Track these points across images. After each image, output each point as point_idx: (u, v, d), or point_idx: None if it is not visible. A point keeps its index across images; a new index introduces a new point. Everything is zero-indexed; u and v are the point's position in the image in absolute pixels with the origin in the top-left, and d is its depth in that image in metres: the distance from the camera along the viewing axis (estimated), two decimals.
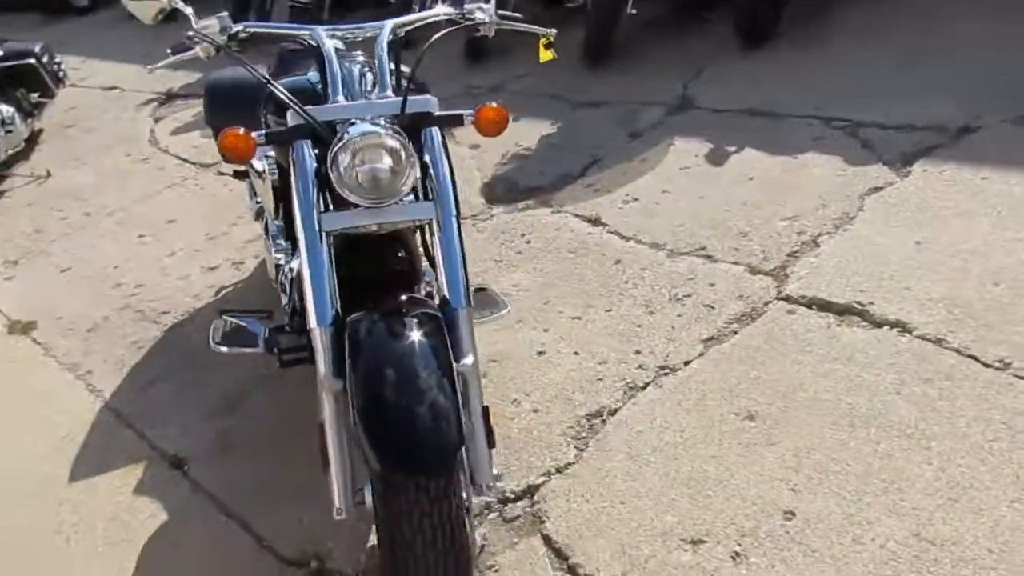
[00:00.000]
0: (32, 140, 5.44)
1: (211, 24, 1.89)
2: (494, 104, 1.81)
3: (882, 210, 2.79)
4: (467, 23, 2.11)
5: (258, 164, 2.27)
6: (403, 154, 1.63)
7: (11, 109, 5.02)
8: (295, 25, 2.00)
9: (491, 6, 2.11)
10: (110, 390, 2.77)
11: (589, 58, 4.61)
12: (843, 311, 2.39)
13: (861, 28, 4.22)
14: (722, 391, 2.21)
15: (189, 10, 1.92)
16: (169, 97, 5.87)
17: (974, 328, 2.20)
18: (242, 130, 1.71)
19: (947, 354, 2.14)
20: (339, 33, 1.96)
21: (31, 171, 4.95)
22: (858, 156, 3.13)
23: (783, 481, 1.92)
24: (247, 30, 1.92)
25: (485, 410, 1.71)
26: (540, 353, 2.51)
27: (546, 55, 2.35)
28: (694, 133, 3.64)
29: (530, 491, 2.05)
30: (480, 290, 2.39)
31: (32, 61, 5.26)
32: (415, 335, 1.55)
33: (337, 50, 1.91)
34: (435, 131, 1.82)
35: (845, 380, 2.14)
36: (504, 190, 3.56)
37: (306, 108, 1.73)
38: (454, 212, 1.79)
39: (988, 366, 2.07)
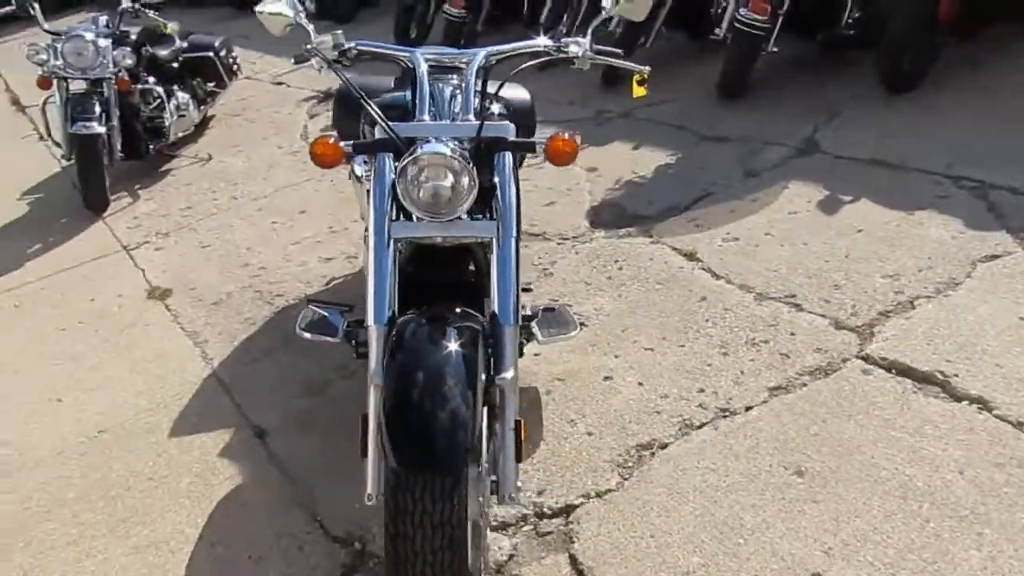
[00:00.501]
0: (202, 125, 6.00)
1: (326, 40, 2.09)
2: (566, 135, 1.89)
3: (992, 279, 2.63)
4: (561, 55, 2.20)
5: (359, 170, 2.46)
6: (465, 176, 1.74)
7: (187, 96, 5.56)
8: (398, 47, 2.15)
9: (587, 40, 2.18)
10: (219, 360, 3.05)
11: (723, 93, 4.58)
12: (923, 379, 2.28)
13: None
14: (777, 442, 2.17)
15: (311, 27, 2.12)
16: (326, 96, 6.31)
17: None
18: (332, 138, 1.88)
19: None
20: (436, 57, 2.10)
21: (196, 153, 5.47)
22: (981, 220, 2.96)
23: (818, 542, 1.87)
24: (357, 47, 2.10)
25: (518, 424, 1.79)
26: (606, 379, 2.55)
27: (638, 91, 2.40)
28: (812, 178, 3.55)
29: (567, 510, 2.10)
30: (549, 310, 2.47)
31: (211, 54, 5.81)
32: (452, 344, 1.65)
33: (432, 72, 2.06)
34: (507, 156, 1.92)
35: (908, 450, 2.06)
36: (610, 215, 3.61)
37: (392, 123, 1.88)
38: (514, 234, 1.88)
39: None
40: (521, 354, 2.36)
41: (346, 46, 2.10)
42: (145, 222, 4.52)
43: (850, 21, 4.31)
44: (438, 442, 1.50)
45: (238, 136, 5.75)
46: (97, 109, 4.64)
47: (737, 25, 4.25)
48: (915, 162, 3.47)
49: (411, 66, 2.04)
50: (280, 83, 6.88)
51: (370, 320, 1.82)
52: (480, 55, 2.05)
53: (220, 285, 3.61)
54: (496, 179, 1.90)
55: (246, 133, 5.79)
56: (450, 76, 2.17)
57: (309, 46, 2.08)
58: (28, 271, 4.11)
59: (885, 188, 3.32)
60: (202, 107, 5.89)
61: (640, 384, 2.50)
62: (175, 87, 5.53)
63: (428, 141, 1.80)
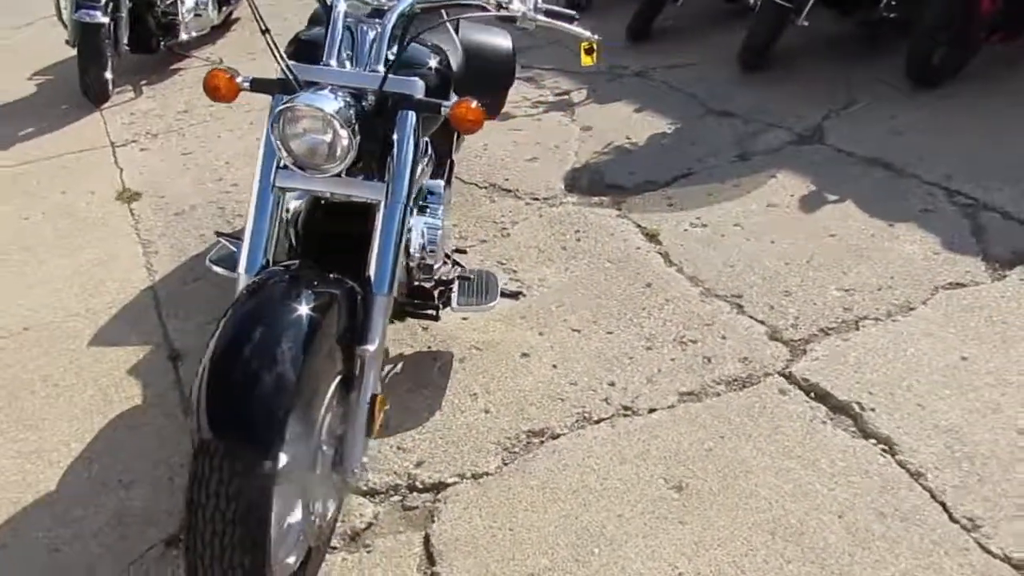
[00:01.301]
0: (223, 27, 5.90)
1: None
2: (473, 103, 1.76)
3: (947, 310, 2.46)
4: (500, 12, 2.05)
5: None
6: (343, 131, 1.62)
7: None
8: None
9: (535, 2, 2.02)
10: (162, 274, 3.03)
11: (743, 64, 4.33)
12: (838, 408, 2.16)
13: None
14: (667, 452, 2.08)
15: None
16: None
17: (964, 474, 1.92)
18: (229, 72, 1.78)
19: (917, 493, 1.89)
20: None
21: (208, 56, 5.39)
22: (960, 242, 2.76)
23: (671, 566, 1.79)
24: None
25: (374, 398, 1.73)
26: (524, 355, 2.46)
27: (586, 59, 2.24)
28: (804, 170, 3.34)
29: (438, 487, 2.05)
30: (471, 276, 2.38)
31: None
32: (302, 304, 1.54)
33: (360, 16, 1.92)
34: (410, 115, 1.80)
35: (794, 483, 1.95)
36: (587, 181, 3.46)
37: (297, 63, 1.77)
38: (402, 200, 1.78)
39: (954, 521, 1.81)
40: (437, 318, 2.30)
41: None
42: (139, 120, 4.49)
43: (892, 2, 3.99)
44: (249, 408, 1.40)
45: (254, 44, 5.63)
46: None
47: None
48: (915, 167, 3.24)
49: (334, 3, 1.91)
50: None
51: (240, 268, 1.75)
52: (404, 2, 1.91)
53: (188, 197, 3.58)
54: (395, 137, 1.79)
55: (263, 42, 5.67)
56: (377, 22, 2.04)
57: None
58: (11, 154, 4.13)
59: (875, 192, 3.11)
60: (224, 8, 5.78)
61: (554, 367, 2.41)
62: None
63: (316, 88, 1.70)
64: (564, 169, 3.57)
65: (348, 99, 1.73)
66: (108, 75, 4.69)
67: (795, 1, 3.91)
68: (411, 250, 2.23)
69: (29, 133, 4.37)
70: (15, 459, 2.22)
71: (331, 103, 1.64)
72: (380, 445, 2.17)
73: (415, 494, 2.05)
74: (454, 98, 1.84)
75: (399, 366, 2.45)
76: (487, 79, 2.92)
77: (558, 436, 2.17)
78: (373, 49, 1.86)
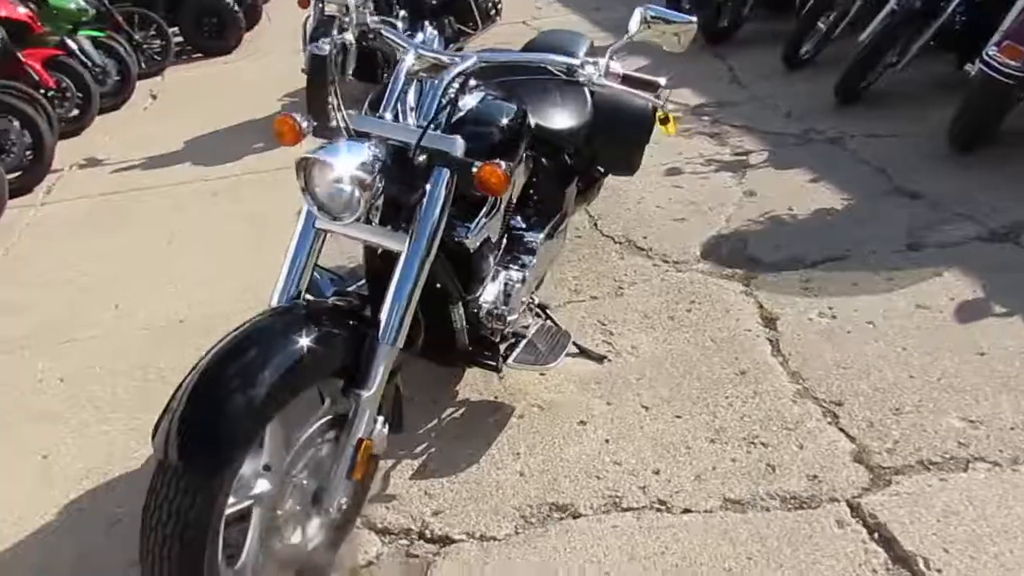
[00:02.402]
0: None
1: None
2: (501, 167, 1.76)
3: None
4: (564, 76, 2.02)
5: None
6: (355, 184, 1.68)
7: (433, 32, 5.86)
8: (399, 36, 2.11)
9: (602, 63, 1.97)
10: None
11: (952, 143, 3.84)
12: (899, 560, 1.84)
13: None
14: (682, 560, 1.90)
15: None
16: None
17: None
18: (293, 119, 1.93)
19: None
20: (435, 54, 2.03)
21: None
22: None
23: None
24: (367, 23, 2.12)
25: (360, 443, 1.77)
26: (581, 423, 2.38)
27: (664, 129, 2.12)
28: (979, 273, 2.90)
29: (444, 541, 2.04)
30: (562, 333, 2.37)
31: None
32: (297, 341, 1.62)
33: (427, 70, 2.00)
34: (444, 171, 1.83)
35: None
36: (727, 250, 3.26)
37: (351, 113, 1.88)
38: (421, 254, 1.81)
39: None
40: (498, 371, 2.29)
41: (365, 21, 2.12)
42: None
43: None
44: (204, 432, 1.49)
45: None
46: (335, 32, 5.08)
47: (984, 68, 3.50)
48: None
49: (401, 58, 2.00)
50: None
51: (273, 300, 1.87)
52: (467, 61, 1.95)
53: None
54: (428, 191, 1.83)
55: None
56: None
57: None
58: (238, 165, 4.72)
59: None
60: (451, 45, 6.19)
61: (606, 441, 2.30)
62: (426, 22, 5.87)
63: (362, 139, 1.80)
64: (708, 234, 3.39)
65: (385, 152, 1.80)
66: (332, 100, 5.20)
67: (1018, 79, 3.41)
68: (483, 298, 2.26)
69: (258, 148, 4.96)
70: (124, 435, 2.53)
71: (351, 156, 1.70)
72: (410, 489, 2.20)
73: (422, 542, 2.05)
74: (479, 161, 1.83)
75: (460, 411, 2.47)
76: (619, 136, 2.87)
77: (579, 516, 2.07)
78: (426, 104, 1.92)
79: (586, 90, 2.83)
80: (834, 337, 2.64)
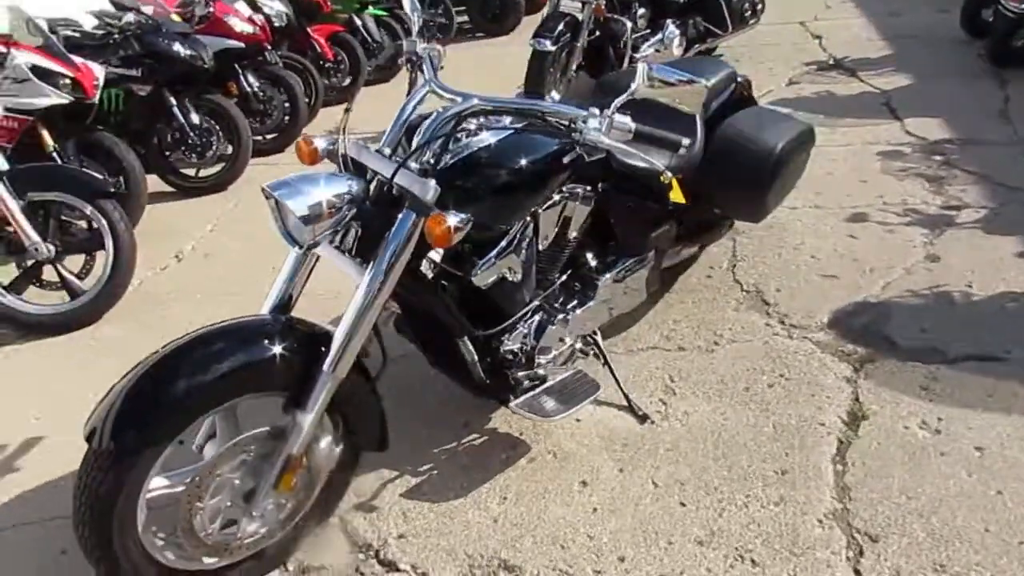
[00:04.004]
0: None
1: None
2: (448, 222, 1.75)
3: None
4: (567, 131, 1.88)
5: None
6: (293, 215, 1.74)
7: (674, 32, 5.66)
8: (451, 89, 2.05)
9: (607, 117, 1.82)
10: None
11: None
12: None
13: None
14: None
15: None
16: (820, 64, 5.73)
17: None
18: (315, 141, 2.04)
19: None
20: (448, 93, 2.00)
21: None
22: None
23: None
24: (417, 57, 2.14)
25: (289, 458, 1.87)
26: (583, 483, 2.26)
27: (672, 195, 1.88)
28: None
29: (392, 567, 2.08)
30: (590, 386, 2.28)
31: None
32: (251, 351, 1.77)
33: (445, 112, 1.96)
34: (411, 214, 1.83)
35: None
36: (860, 324, 2.81)
37: (350, 140, 1.96)
38: (373, 291, 1.84)
39: None
40: (505, 404, 2.26)
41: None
42: None
43: None
44: (127, 419, 1.65)
45: None
46: (559, 29, 5.14)
47: None
48: None
49: (415, 91, 2.02)
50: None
51: (263, 309, 2.03)
52: (465, 104, 1.91)
53: None
54: (393, 230, 1.85)
55: None
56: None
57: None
58: None
59: None
60: (695, 47, 5.93)
61: (594, 510, 2.16)
62: (668, 21, 5.68)
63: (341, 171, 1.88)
64: (851, 299, 2.95)
65: (364, 185, 1.85)
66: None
67: None
68: (507, 334, 2.23)
69: None
70: None
71: (311, 188, 1.76)
72: (394, 505, 2.26)
73: (374, 562, 2.11)
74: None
75: (481, 440, 2.46)
76: (733, 178, 2.64)
77: None
78: (417, 142, 1.92)
79: (698, 122, 2.62)
80: (921, 456, 2.19)
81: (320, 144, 2.03)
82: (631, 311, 2.72)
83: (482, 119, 2.05)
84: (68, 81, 4.06)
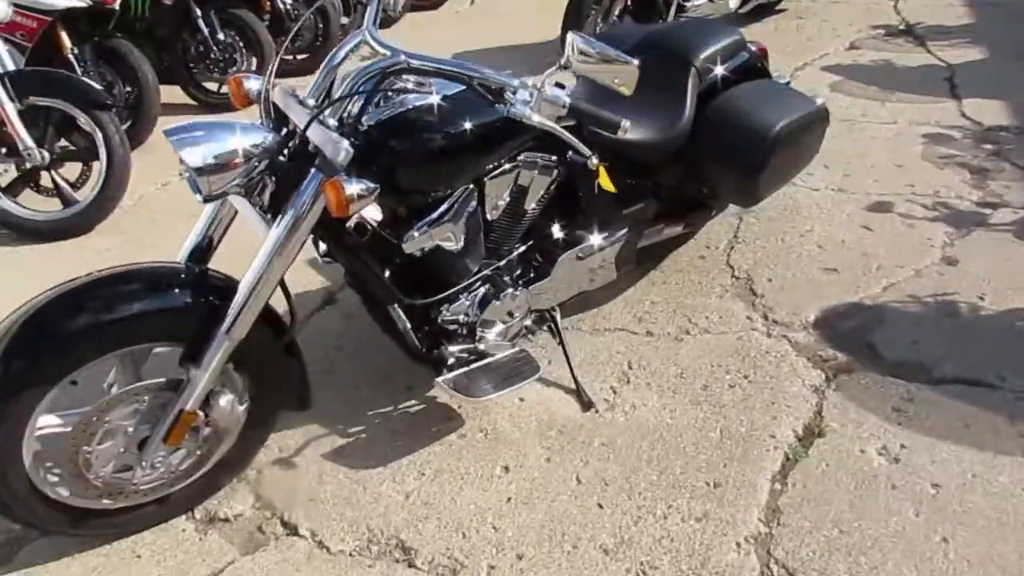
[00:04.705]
0: (754, 14, 5.67)
1: None
2: (339, 189, 1.62)
3: None
4: (493, 100, 1.71)
5: None
6: (192, 167, 1.63)
7: None
8: (377, 38, 1.88)
9: (538, 90, 1.64)
10: None
11: None
12: None
13: None
14: None
15: None
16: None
17: None
18: (245, 82, 1.92)
19: None
20: (382, 45, 1.83)
21: None
22: None
23: None
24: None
25: (180, 412, 1.81)
26: (504, 469, 2.15)
27: (601, 181, 1.69)
28: None
29: (293, 530, 2.03)
30: (530, 366, 2.19)
31: None
32: (153, 298, 1.73)
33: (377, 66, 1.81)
34: (319, 174, 1.70)
35: None
36: (846, 328, 2.59)
37: (278, 85, 1.84)
38: (274, 253, 1.74)
39: None
40: (436, 373, 2.16)
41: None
42: None
43: None
44: (11, 355, 1.64)
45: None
46: None
47: None
48: None
49: (348, 41, 1.86)
50: None
51: (179, 255, 1.95)
52: (390, 60, 1.74)
53: None
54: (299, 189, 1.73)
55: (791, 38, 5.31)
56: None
57: None
58: None
59: None
60: None
61: (508, 500, 2.06)
62: None
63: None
64: (845, 299, 2.72)
65: (280, 137, 1.73)
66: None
67: None
68: (446, 304, 2.12)
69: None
70: None
71: (208, 137, 1.64)
72: (312, 465, 2.20)
73: (276, 521, 2.05)
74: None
75: (419, 408, 2.37)
76: (731, 158, 2.44)
77: (412, 566, 1.91)
78: (336, 96, 1.77)
79: (688, 98, 2.40)
80: (869, 486, 2.01)
81: (252, 86, 1.90)
82: (602, 288, 2.57)
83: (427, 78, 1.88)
84: None
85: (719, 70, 2.50)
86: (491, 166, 1.99)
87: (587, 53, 1.59)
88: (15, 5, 3.72)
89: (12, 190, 3.47)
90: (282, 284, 1.82)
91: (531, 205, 2.19)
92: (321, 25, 5.34)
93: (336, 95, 1.76)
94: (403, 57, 1.74)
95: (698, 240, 3.09)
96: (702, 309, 2.72)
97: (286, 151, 1.76)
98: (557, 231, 2.33)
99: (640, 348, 2.56)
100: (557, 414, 2.31)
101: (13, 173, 3.52)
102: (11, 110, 3.26)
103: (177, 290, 1.78)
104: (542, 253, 2.33)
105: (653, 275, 2.92)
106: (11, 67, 3.38)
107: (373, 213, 2.03)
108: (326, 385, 2.47)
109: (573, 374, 2.39)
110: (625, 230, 2.44)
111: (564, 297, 2.42)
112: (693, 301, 2.77)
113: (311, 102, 1.81)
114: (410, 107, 1.82)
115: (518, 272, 2.30)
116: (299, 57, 5.40)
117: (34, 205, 3.50)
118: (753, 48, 2.70)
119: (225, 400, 1.89)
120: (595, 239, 2.38)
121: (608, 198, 2.34)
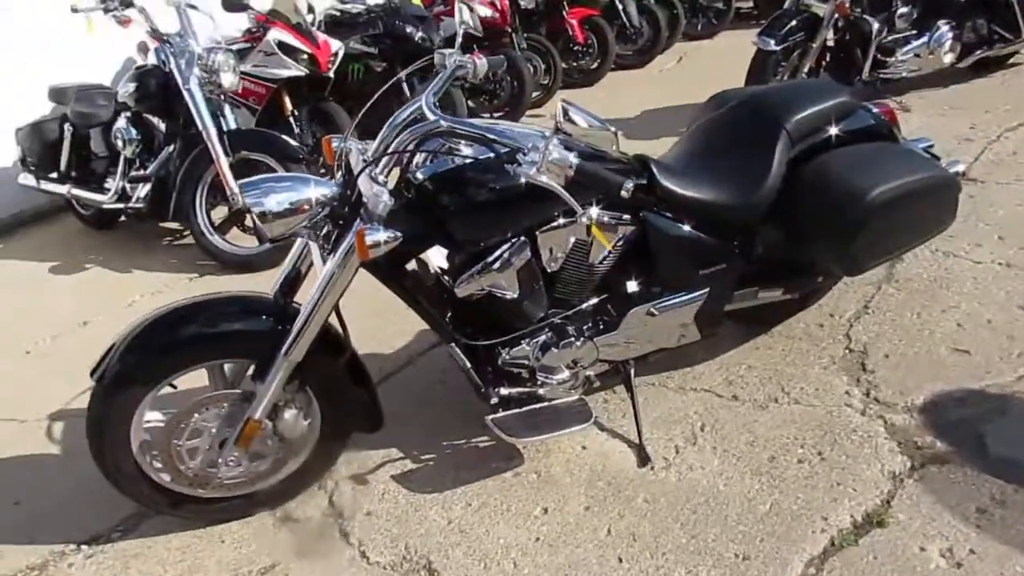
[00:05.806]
0: (960, 74, 5.23)
1: None
2: (363, 236, 1.85)
3: None
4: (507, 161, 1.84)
5: None
6: (253, 214, 1.93)
7: (947, 36, 4.93)
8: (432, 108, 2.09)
9: (540, 155, 1.76)
10: None
11: None
12: None
13: None
14: None
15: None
16: None
17: None
18: (334, 143, 2.22)
19: None
20: (431, 113, 2.03)
21: (899, 99, 4.97)
22: None
23: None
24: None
25: (248, 420, 2.12)
26: (544, 511, 2.22)
27: (597, 236, 1.73)
28: None
29: (346, 538, 2.26)
30: (580, 415, 2.28)
31: None
32: (235, 321, 2.10)
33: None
34: (360, 222, 1.94)
35: None
36: (959, 416, 2.34)
37: (354, 144, 2.13)
38: (323, 282, 2.01)
39: None
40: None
41: None
42: None
43: None
44: (120, 366, 2.03)
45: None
46: (789, 26, 4.76)
47: None
48: None
49: (405, 108, 2.10)
50: None
51: (271, 289, 2.28)
52: (429, 125, 1.95)
53: None
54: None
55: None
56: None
57: None
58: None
59: None
60: (978, 51, 5.11)
61: (536, 540, 2.12)
62: (941, 22, 4.97)
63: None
64: (969, 384, 2.46)
65: (340, 189, 2.01)
66: None
67: None
68: (509, 346, 2.27)
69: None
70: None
71: (277, 191, 1.93)
72: (379, 483, 2.42)
73: (335, 530, 2.28)
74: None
75: (486, 444, 2.51)
76: (824, 221, 2.40)
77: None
78: (375, 153, 2.02)
79: (775, 161, 2.38)
80: None
81: (335, 144, 2.20)
82: (699, 348, 2.57)
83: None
84: (306, 56, 4.69)
85: (828, 131, 2.42)
86: (538, 220, 2.11)
87: (572, 120, 1.69)
88: (247, 75, 4.47)
89: (221, 229, 4.14)
90: (337, 311, 2.08)
91: (598, 259, 2.27)
92: (516, 85, 5.75)
93: (377, 151, 2.00)
94: (441, 122, 1.94)
95: (822, 307, 2.94)
96: (800, 379, 2.60)
97: (349, 201, 2.02)
98: (632, 285, 2.37)
99: (719, 411, 2.51)
100: (612, 466, 2.34)
101: (223, 214, 4.21)
102: (224, 162, 3.90)
103: (256, 316, 2.11)
104: (614, 306, 2.39)
105: (760, 339, 2.83)
106: (233, 127, 4.06)
107: (438, 259, 2.24)
108: (419, 414, 2.69)
109: (639, 428, 2.40)
110: (705, 290, 2.42)
111: (637, 352, 2.45)
112: (793, 370, 2.65)
113: (370, 157, 2.06)
114: (453, 165, 2.01)
115: (588, 323, 2.37)
116: (495, 115, 5.83)
117: (237, 241, 4.15)
118: (875, 110, 2.57)
119: (290, 414, 2.17)
120: (669, 297, 2.39)
121: (685, 256, 2.36)
